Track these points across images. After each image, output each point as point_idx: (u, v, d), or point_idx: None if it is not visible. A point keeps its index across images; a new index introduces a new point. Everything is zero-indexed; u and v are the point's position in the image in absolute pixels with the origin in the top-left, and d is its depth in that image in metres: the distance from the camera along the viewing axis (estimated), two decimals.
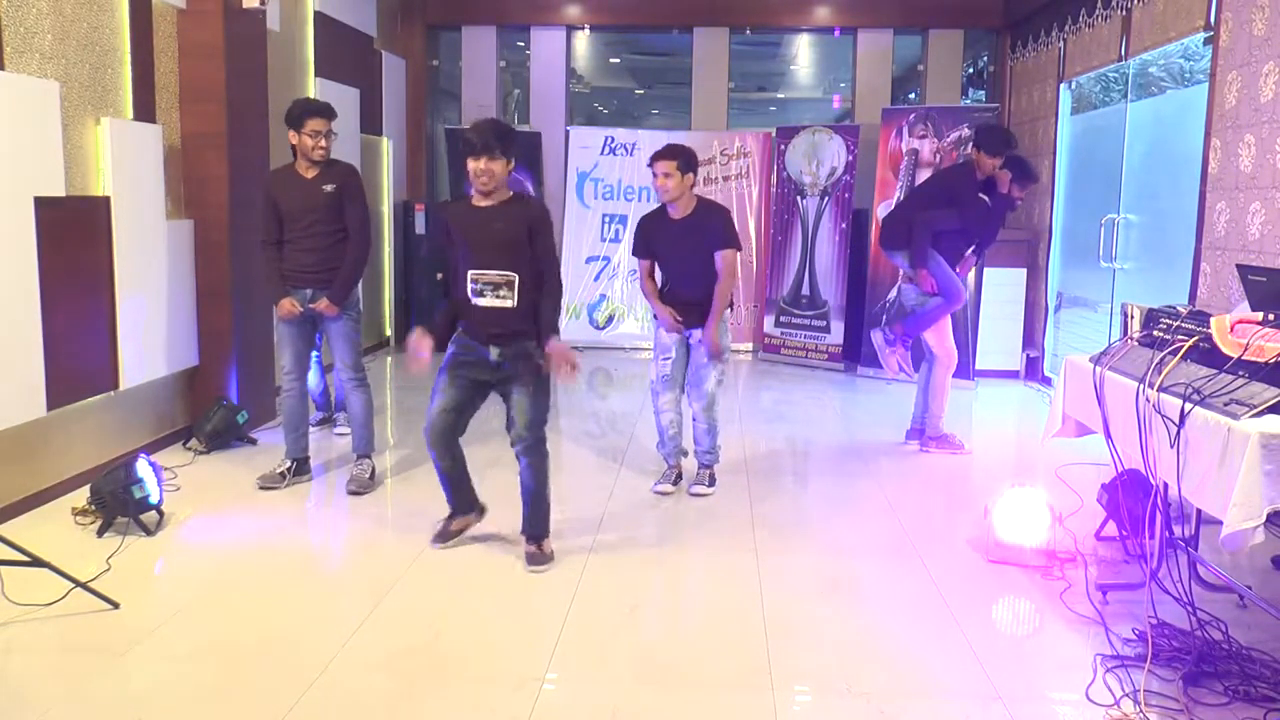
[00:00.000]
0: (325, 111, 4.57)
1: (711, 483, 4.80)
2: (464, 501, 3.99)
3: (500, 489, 4.72)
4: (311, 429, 5.72)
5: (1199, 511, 3.35)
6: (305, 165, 4.58)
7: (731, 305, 4.76)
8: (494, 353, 3.73)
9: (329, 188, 4.56)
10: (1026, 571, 3.77)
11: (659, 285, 4.77)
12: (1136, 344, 3.39)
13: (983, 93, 9.31)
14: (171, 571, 3.70)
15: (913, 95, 9.86)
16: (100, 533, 3.98)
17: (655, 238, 4.67)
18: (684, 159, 4.50)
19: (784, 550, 4.02)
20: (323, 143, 4.53)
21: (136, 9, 4.92)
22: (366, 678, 2.91)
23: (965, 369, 6.91)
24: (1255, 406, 2.63)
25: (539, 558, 3.79)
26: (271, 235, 4.61)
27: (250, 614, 3.36)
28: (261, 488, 4.62)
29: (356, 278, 4.69)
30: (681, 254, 4.59)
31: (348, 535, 4.20)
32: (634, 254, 4.85)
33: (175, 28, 5.30)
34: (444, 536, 3.94)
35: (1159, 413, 2.94)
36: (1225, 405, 2.71)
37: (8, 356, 4.06)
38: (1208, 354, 3.00)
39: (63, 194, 4.40)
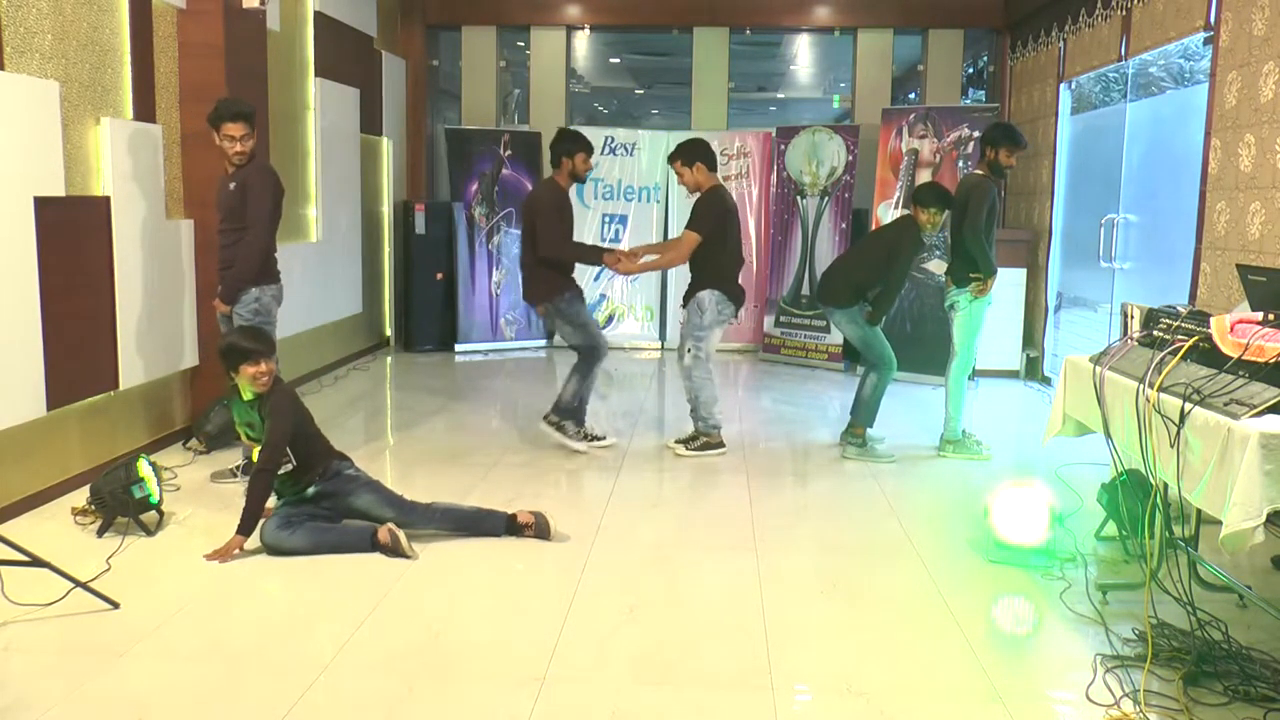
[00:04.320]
0: (240, 116, 4.51)
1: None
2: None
3: (499, 491, 4.73)
4: None
5: (1199, 511, 3.35)
6: (226, 165, 4.63)
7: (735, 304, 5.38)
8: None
9: (232, 186, 4.58)
10: (1026, 571, 3.77)
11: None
12: (1136, 344, 3.38)
13: (983, 93, 9.31)
14: (171, 571, 3.70)
15: (913, 95, 9.87)
16: (100, 533, 3.98)
17: None
18: (682, 155, 5.30)
19: (784, 550, 4.02)
20: (238, 147, 4.52)
21: (136, 9, 4.92)
22: (366, 678, 2.91)
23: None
24: (1255, 406, 2.62)
25: None
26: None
27: (250, 614, 3.36)
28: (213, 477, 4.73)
29: (245, 277, 4.58)
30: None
31: None
32: None
33: (175, 28, 5.30)
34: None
35: (1159, 413, 2.94)
36: (1225, 405, 2.71)
37: (8, 356, 4.06)
38: (1208, 354, 3.00)
39: (63, 194, 4.40)
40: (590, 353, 5.46)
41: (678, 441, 5.51)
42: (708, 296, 5.28)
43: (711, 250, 5.28)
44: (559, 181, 5.43)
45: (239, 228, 4.62)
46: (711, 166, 5.36)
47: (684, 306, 5.41)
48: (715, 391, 5.44)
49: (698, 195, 5.35)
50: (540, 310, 5.52)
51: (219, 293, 4.65)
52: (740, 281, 5.43)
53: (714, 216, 5.27)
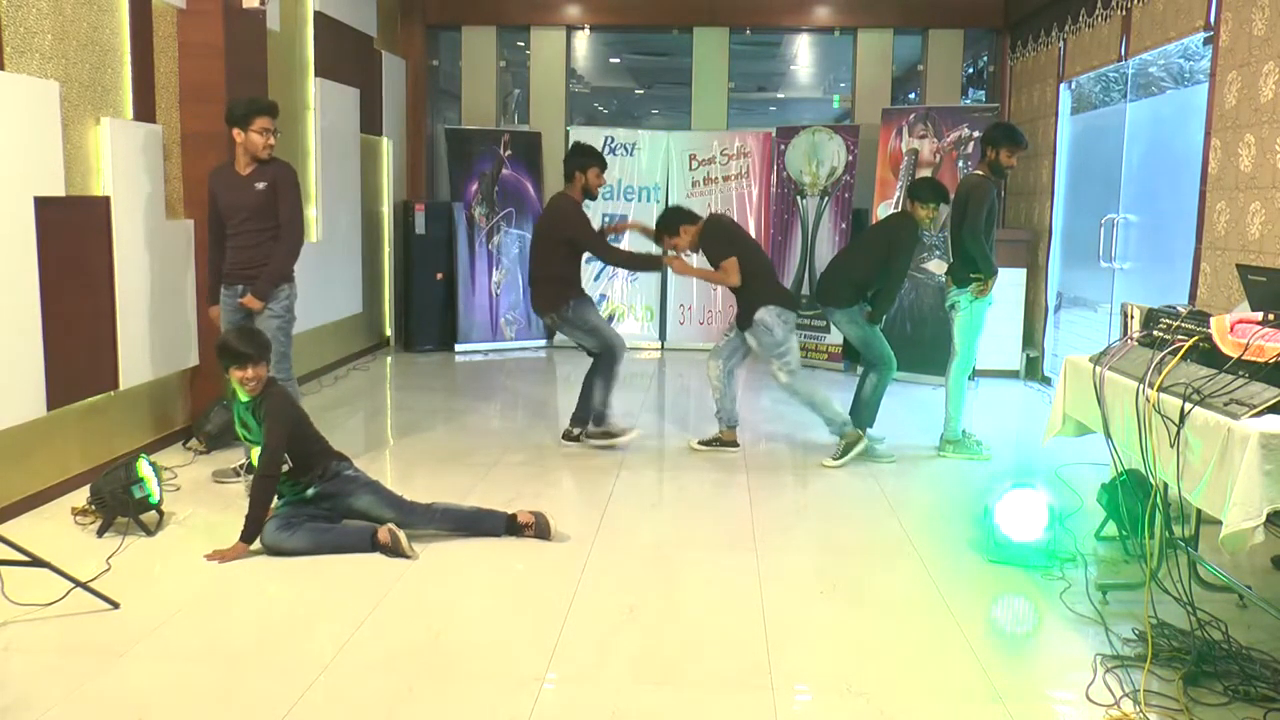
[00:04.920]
0: (271, 110, 4.63)
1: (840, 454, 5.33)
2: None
3: (499, 491, 4.73)
4: None
5: (1199, 511, 3.35)
6: (243, 163, 4.63)
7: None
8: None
9: (261, 185, 4.60)
10: (1026, 571, 3.77)
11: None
12: (1136, 344, 3.38)
13: (983, 93, 9.31)
14: (171, 571, 3.70)
15: (913, 95, 9.86)
16: (100, 533, 3.98)
17: None
18: (667, 229, 5.36)
19: (784, 550, 4.02)
20: (271, 141, 4.60)
21: (136, 9, 4.92)
22: (366, 678, 2.91)
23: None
24: (1255, 406, 2.62)
25: None
26: (212, 234, 4.76)
27: (250, 614, 3.36)
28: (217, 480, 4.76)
29: (284, 274, 4.69)
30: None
31: None
32: None
33: (175, 28, 5.30)
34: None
35: (1159, 413, 2.94)
36: (1225, 405, 2.71)
37: (8, 356, 4.07)
38: (1208, 354, 3.00)
39: (63, 194, 4.40)
40: (608, 354, 5.49)
41: (832, 459, 5.31)
42: (767, 315, 5.18)
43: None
44: (572, 195, 5.45)
45: (267, 226, 4.64)
46: (693, 219, 5.40)
47: (744, 330, 5.30)
48: (823, 391, 5.44)
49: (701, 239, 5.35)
50: (548, 321, 5.55)
51: (251, 290, 4.62)
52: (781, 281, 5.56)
53: (725, 239, 5.33)
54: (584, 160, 5.44)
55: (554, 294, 5.41)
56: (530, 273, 5.66)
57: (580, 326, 5.43)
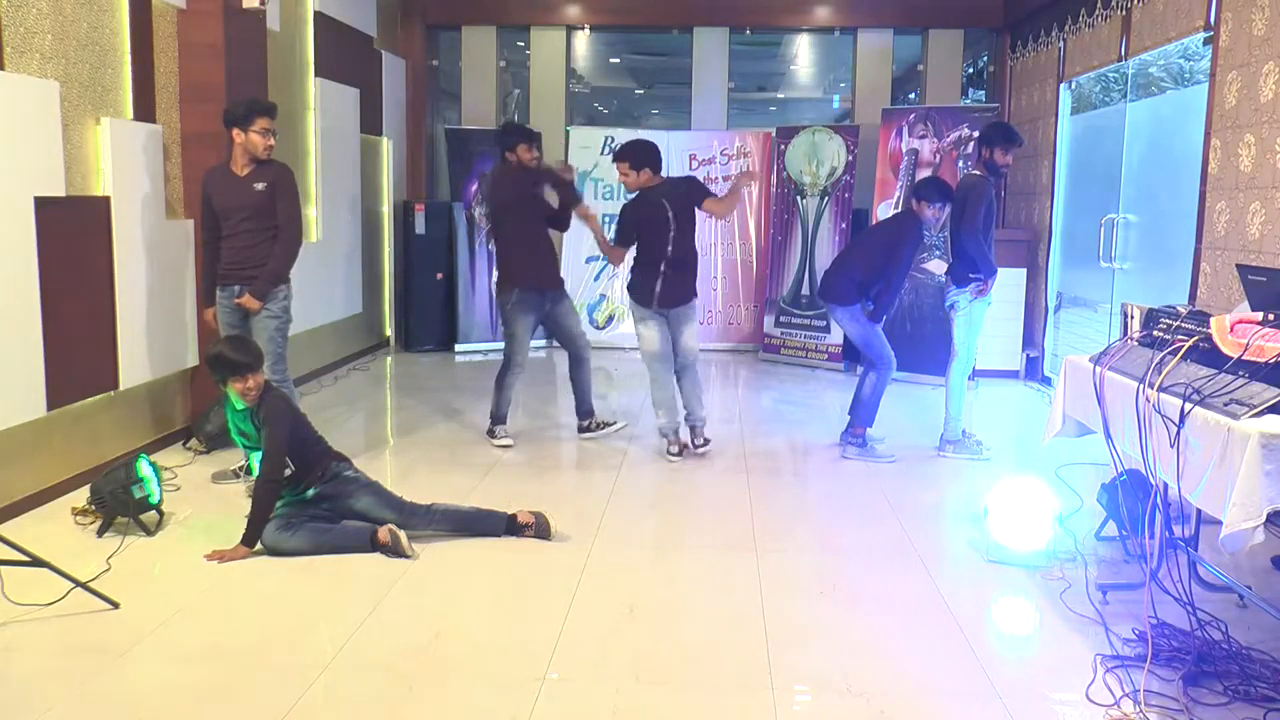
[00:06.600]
0: (271, 111, 4.66)
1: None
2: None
3: (499, 491, 4.73)
4: None
5: (1199, 511, 3.35)
6: (241, 164, 4.64)
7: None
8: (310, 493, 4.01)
9: (260, 185, 4.62)
10: (1026, 571, 3.77)
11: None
12: (1136, 344, 3.39)
13: (983, 93, 9.31)
14: (171, 571, 3.70)
15: (913, 95, 9.86)
16: (100, 533, 3.98)
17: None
18: (631, 158, 5.24)
19: (784, 550, 4.02)
20: (271, 141, 4.62)
21: (136, 9, 4.92)
22: (366, 678, 2.91)
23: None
24: (1255, 406, 2.63)
25: None
26: (207, 234, 4.78)
27: (250, 614, 3.36)
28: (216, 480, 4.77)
29: (283, 274, 4.71)
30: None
31: None
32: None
33: (175, 28, 5.30)
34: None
35: (1159, 413, 2.94)
36: (1225, 405, 2.71)
37: (8, 356, 4.07)
38: (1208, 354, 3.00)
39: (63, 194, 4.40)
40: (504, 363, 5.54)
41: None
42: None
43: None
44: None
45: (266, 226, 4.65)
46: (641, 162, 5.26)
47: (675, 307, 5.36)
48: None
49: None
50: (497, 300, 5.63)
51: (249, 290, 4.62)
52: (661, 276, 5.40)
53: (622, 225, 5.41)
54: (510, 139, 5.51)
55: (503, 277, 5.51)
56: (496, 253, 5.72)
57: (506, 323, 5.50)
